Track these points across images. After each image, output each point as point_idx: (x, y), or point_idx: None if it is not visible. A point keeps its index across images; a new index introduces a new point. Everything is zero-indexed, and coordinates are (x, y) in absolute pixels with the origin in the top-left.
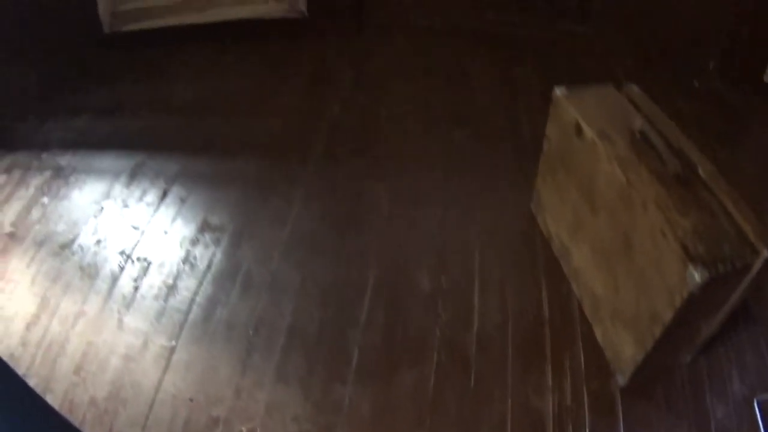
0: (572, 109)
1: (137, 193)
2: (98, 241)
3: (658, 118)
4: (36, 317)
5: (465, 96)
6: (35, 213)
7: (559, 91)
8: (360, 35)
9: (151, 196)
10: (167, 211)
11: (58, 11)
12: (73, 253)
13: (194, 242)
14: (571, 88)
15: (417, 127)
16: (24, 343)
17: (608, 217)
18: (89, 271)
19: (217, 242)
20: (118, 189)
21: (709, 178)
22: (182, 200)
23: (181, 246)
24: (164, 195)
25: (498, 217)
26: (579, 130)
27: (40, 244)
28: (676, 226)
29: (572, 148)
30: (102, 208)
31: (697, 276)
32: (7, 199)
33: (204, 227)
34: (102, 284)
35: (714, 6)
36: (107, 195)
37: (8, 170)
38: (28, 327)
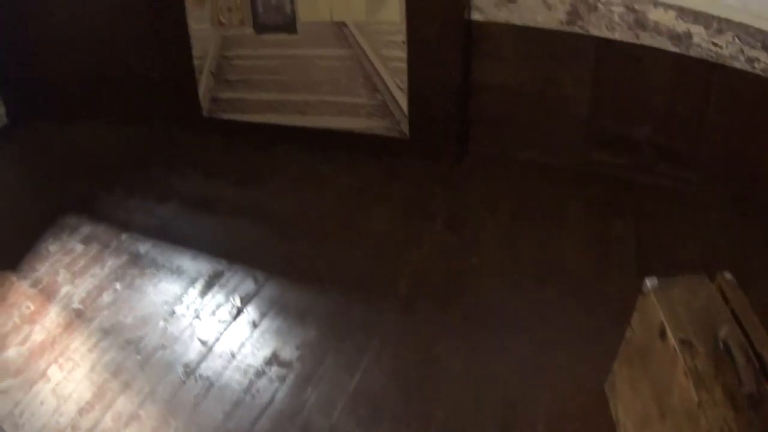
0: (660, 308)
1: (211, 305)
2: (164, 347)
3: (746, 316)
4: (90, 405)
5: (558, 247)
6: (106, 297)
7: (649, 284)
8: (460, 163)
9: (224, 313)
10: (238, 333)
11: (162, 87)
12: (137, 352)
13: (259, 374)
14: (662, 280)
15: (505, 280)
16: (74, 427)
17: (674, 428)
18: (150, 376)
19: (282, 380)
20: (193, 296)
21: None
22: (254, 325)
23: (245, 375)
24: (237, 314)
25: (571, 392)
26: (663, 334)
27: (106, 332)
28: None
29: (654, 347)
30: (173, 312)
31: None
32: (81, 273)
33: (272, 360)
34: (161, 393)
35: None
36: (180, 299)
37: (86, 241)
38: (81, 412)
